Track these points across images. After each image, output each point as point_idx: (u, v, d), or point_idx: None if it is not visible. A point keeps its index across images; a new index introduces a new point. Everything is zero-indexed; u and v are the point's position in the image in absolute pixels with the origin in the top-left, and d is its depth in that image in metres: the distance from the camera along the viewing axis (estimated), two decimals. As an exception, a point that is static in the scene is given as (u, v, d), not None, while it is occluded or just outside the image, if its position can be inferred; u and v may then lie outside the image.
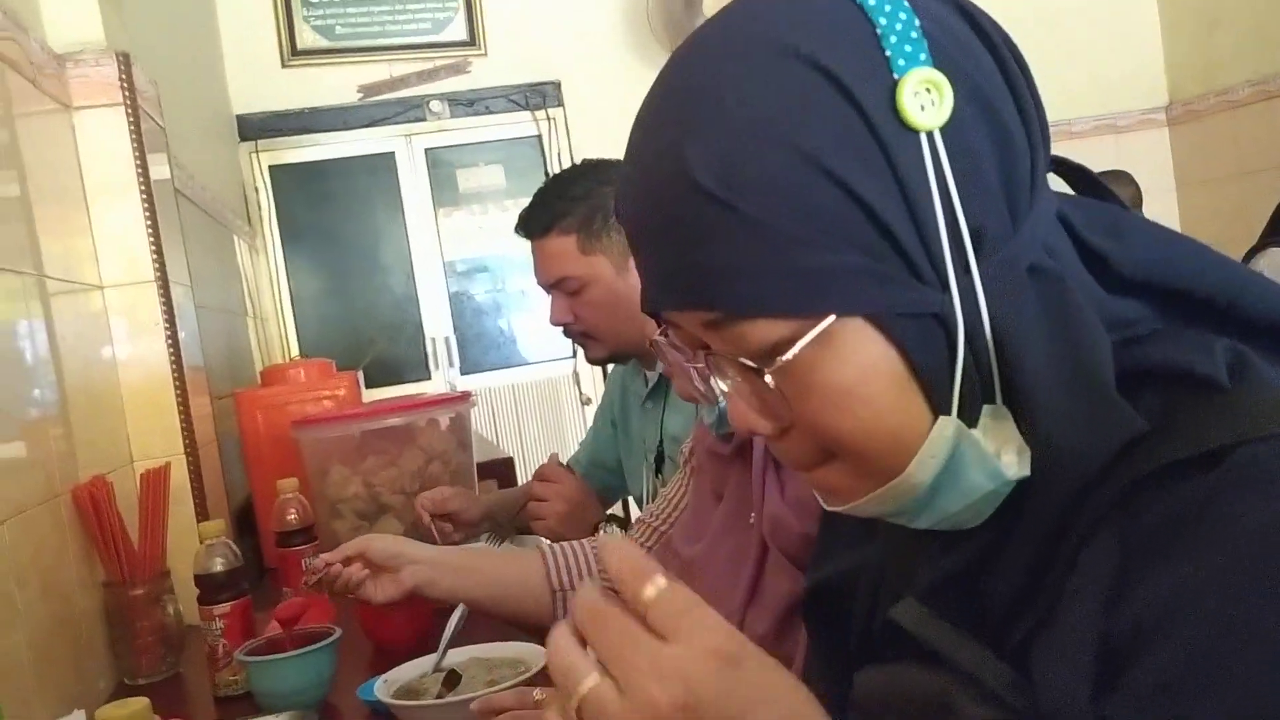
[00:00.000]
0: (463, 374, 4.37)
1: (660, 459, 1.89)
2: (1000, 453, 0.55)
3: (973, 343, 0.54)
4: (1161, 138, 4.70)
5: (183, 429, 1.82)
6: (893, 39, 0.53)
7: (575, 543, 1.46)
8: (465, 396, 2.09)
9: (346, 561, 1.32)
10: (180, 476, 1.77)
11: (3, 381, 1.33)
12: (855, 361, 0.54)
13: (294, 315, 4.23)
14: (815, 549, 0.80)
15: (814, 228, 0.52)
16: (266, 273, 4.13)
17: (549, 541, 1.50)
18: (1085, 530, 0.53)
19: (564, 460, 2.20)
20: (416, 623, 1.49)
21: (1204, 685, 0.47)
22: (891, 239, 0.53)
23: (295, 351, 4.14)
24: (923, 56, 0.53)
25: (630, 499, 2.24)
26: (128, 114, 1.78)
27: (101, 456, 1.63)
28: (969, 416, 0.55)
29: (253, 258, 3.88)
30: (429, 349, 4.35)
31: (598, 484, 2.13)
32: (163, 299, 1.83)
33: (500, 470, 2.66)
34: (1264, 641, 0.47)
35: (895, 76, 0.53)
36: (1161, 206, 4.42)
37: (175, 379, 1.83)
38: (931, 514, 0.58)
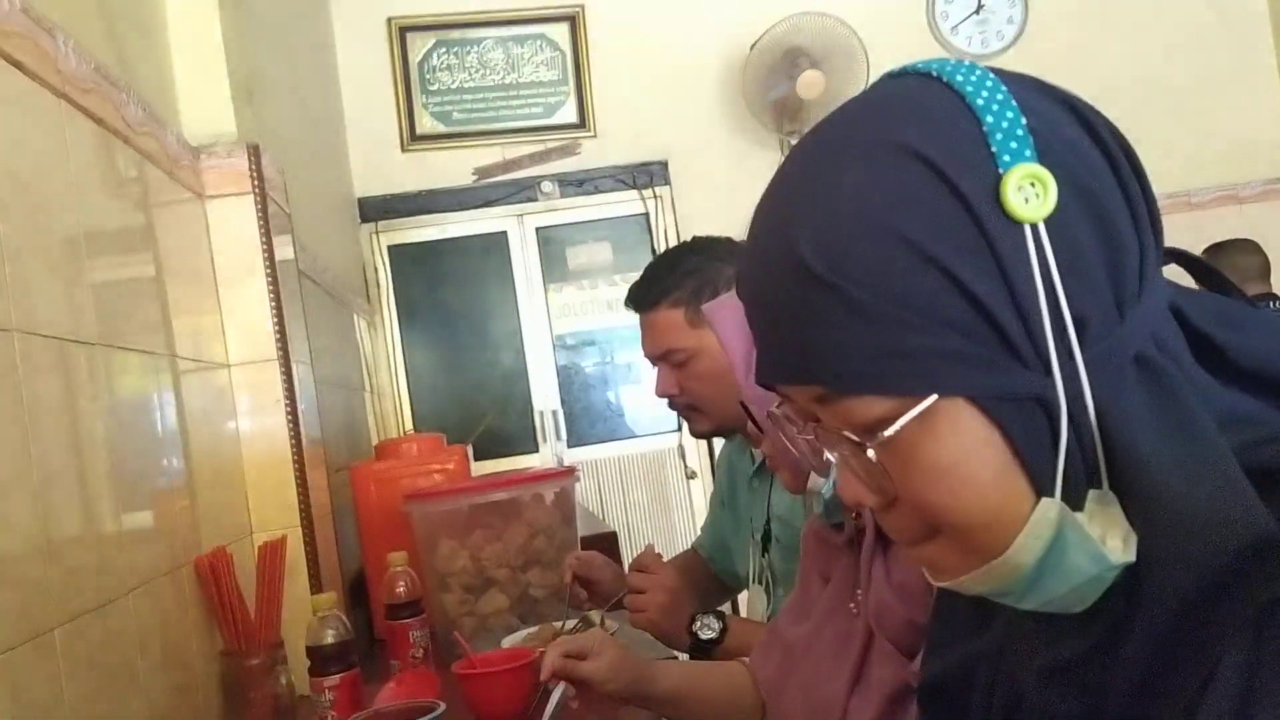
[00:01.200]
0: (569, 447, 4.42)
1: (767, 537, 1.88)
2: (1105, 538, 0.56)
3: (1077, 427, 0.55)
4: (1287, 207, 4.55)
5: (300, 502, 1.88)
6: (999, 135, 0.56)
7: None
8: (570, 472, 2.12)
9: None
10: (296, 548, 1.83)
11: (135, 455, 1.40)
12: (956, 441, 0.56)
13: (409, 389, 4.35)
14: (928, 641, 0.79)
15: (915, 311, 0.55)
16: (384, 349, 4.26)
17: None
18: (1222, 643, 0.53)
19: (648, 534, 2.19)
20: (520, 697, 1.51)
21: None
22: (994, 324, 0.55)
23: (409, 425, 4.25)
24: (1028, 153, 0.55)
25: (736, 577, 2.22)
26: (256, 201, 1.88)
27: (223, 528, 1.70)
28: (1074, 500, 0.56)
29: (371, 334, 4.01)
30: (537, 422, 4.41)
31: (724, 569, 2.12)
32: (284, 376, 1.91)
33: (604, 544, 2.67)
34: None
35: (1000, 171, 0.55)
36: (1291, 277, 4.26)
37: (294, 453, 1.90)
38: (1037, 595, 0.58)
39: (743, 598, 2.06)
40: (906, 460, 0.57)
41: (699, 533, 2.25)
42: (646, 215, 4.47)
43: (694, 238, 1.90)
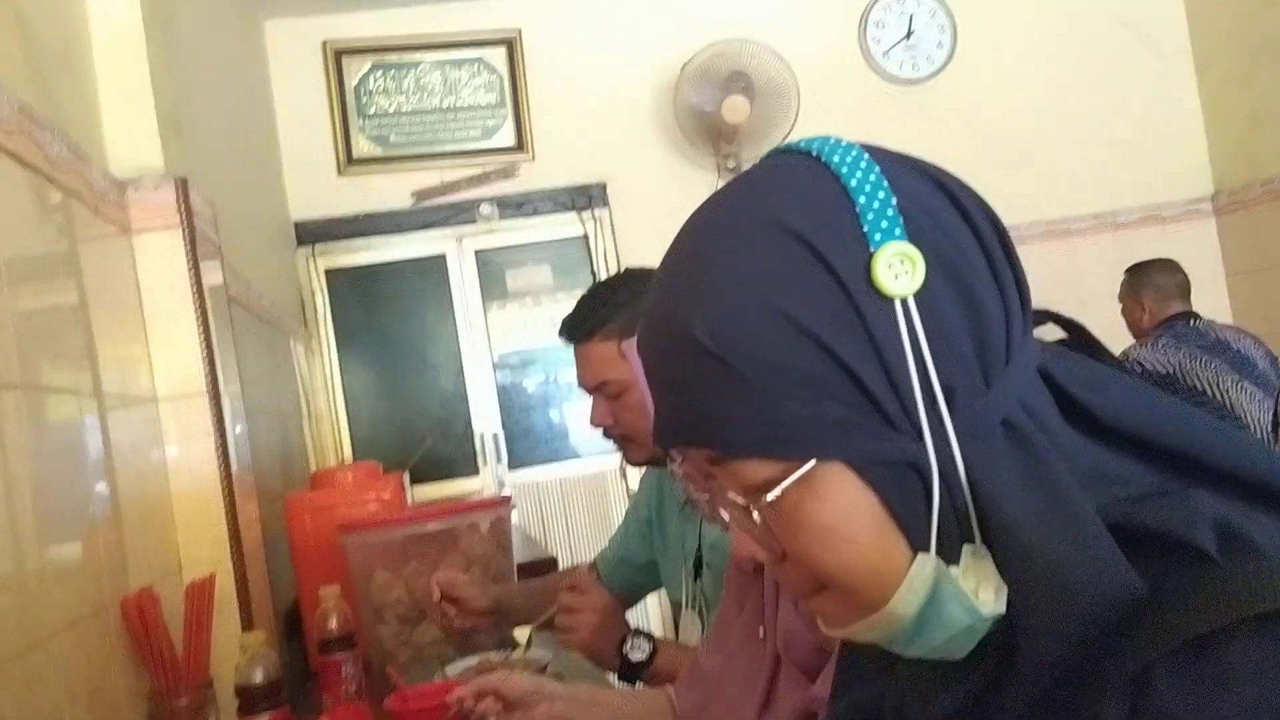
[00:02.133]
0: (511, 469, 4.41)
1: (699, 564, 1.90)
2: (978, 590, 0.59)
3: (949, 488, 0.59)
4: (1208, 228, 4.68)
5: (230, 538, 1.87)
6: (870, 215, 0.59)
7: None
8: (505, 501, 2.13)
9: (479, 697, 1.34)
10: (226, 584, 1.82)
11: (59, 494, 1.39)
12: (836, 502, 0.59)
13: (347, 414, 4.32)
14: (836, 678, 0.82)
15: (795, 382, 0.58)
16: (321, 374, 4.23)
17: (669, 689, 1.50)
18: (1097, 708, 0.55)
19: (590, 556, 2.23)
20: None
21: None
22: (868, 394, 0.58)
23: (348, 450, 4.22)
24: (898, 231, 0.59)
25: (653, 604, 2.24)
26: (184, 235, 1.87)
27: (151, 565, 1.69)
28: (949, 555, 0.60)
29: (308, 359, 3.99)
30: (478, 445, 4.41)
31: (624, 582, 2.14)
32: (213, 408, 1.90)
33: (544, 569, 2.68)
34: None
35: (871, 250, 0.59)
36: (1210, 296, 4.39)
37: (224, 487, 1.89)
38: (920, 644, 0.62)
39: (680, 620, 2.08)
40: (790, 520, 0.60)
41: (606, 545, 2.26)
42: (586, 237, 4.49)
43: (626, 270, 1.93)
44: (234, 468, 1.93)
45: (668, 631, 3.21)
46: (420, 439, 3.94)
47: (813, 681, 1.05)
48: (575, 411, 4.45)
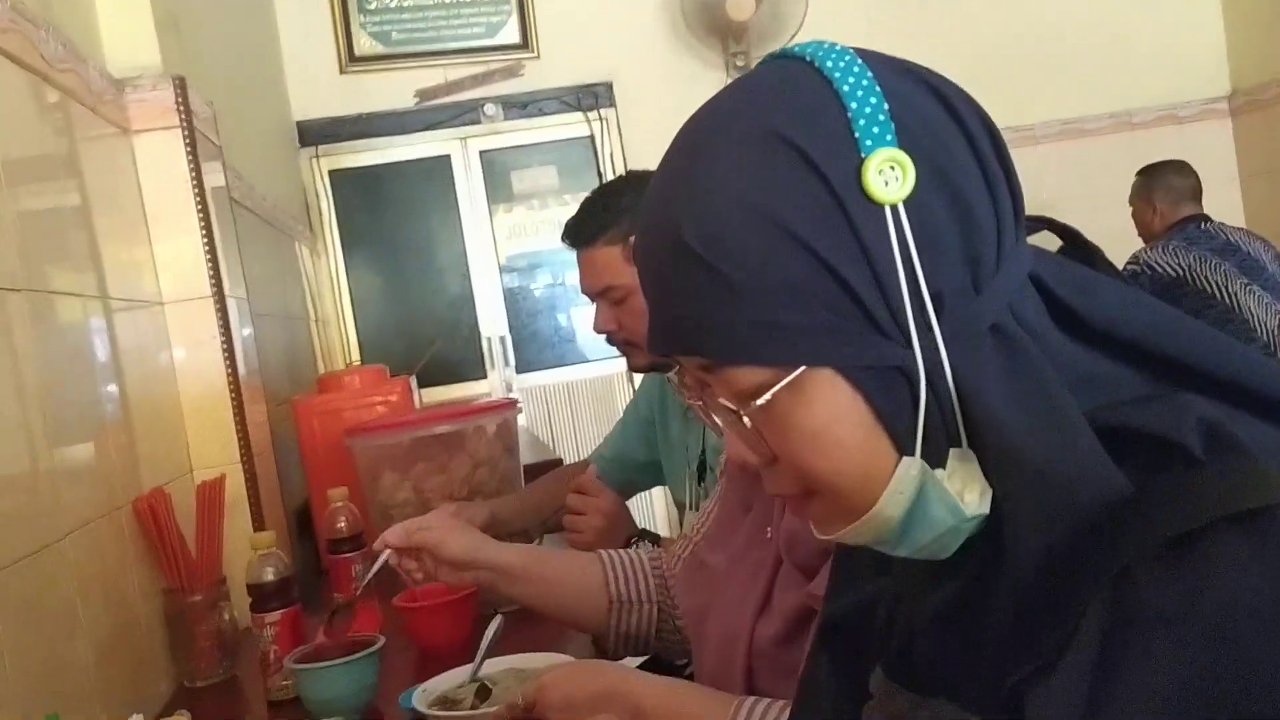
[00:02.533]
0: (518, 373, 4.43)
1: (703, 467, 1.92)
2: (963, 493, 0.60)
3: (936, 393, 0.59)
4: (1224, 128, 4.60)
5: (239, 439, 1.89)
6: (862, 121, 0.59)
7: (631, 553, 1.49)
8: (511, 404, 2.14)
9: (413, 554, 1.37)
10: (236, 486, 1.85)
11: (69, 397, 1.40)
12: (824, 408, 0.60)
13: (354, 317, 4.33)
14: (831, 580, 0.83)
15: (784, 288, 0.59)
16: (328, 276, 4.23)
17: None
18: (1080, 606, 0.57)
19: (586, 455, 2.24)
20: (460, 628, 1.55)
21: None
22: (857, 300, 0.59)
23: (356, 353, 4.24)
24: (889, 137, 0.59)
25: (660, 505, 2.27)
26: (184, 136, 1.85)
27: (162, 467, 1.71)
28: (935, 458, 0.61)
29: (314, 262, 3.98)
30: (485, 348, 4.42)
31: (618, 480, 2.13)
32: (219, 311, 1.90)
33: (551, 470, 2.71)
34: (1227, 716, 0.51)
35: (862, 156, 0.59)
36: (1224, 198, 4.33)
37: (232, 390, 1.90)
38: (907, 544, 0.63)
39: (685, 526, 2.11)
40: (780, 425, 0.61)
41: (601, 443, 2.27)
42: (592, 138, 4.43)
43: (630, 172, 1.91)
44: (241, 371, 1.94)
45: (672, 533, 3.26)
46: (427, 343, 3.95)
47: (810, 580, 1.07)
48: (582, 315, 4.45)
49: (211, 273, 1.90)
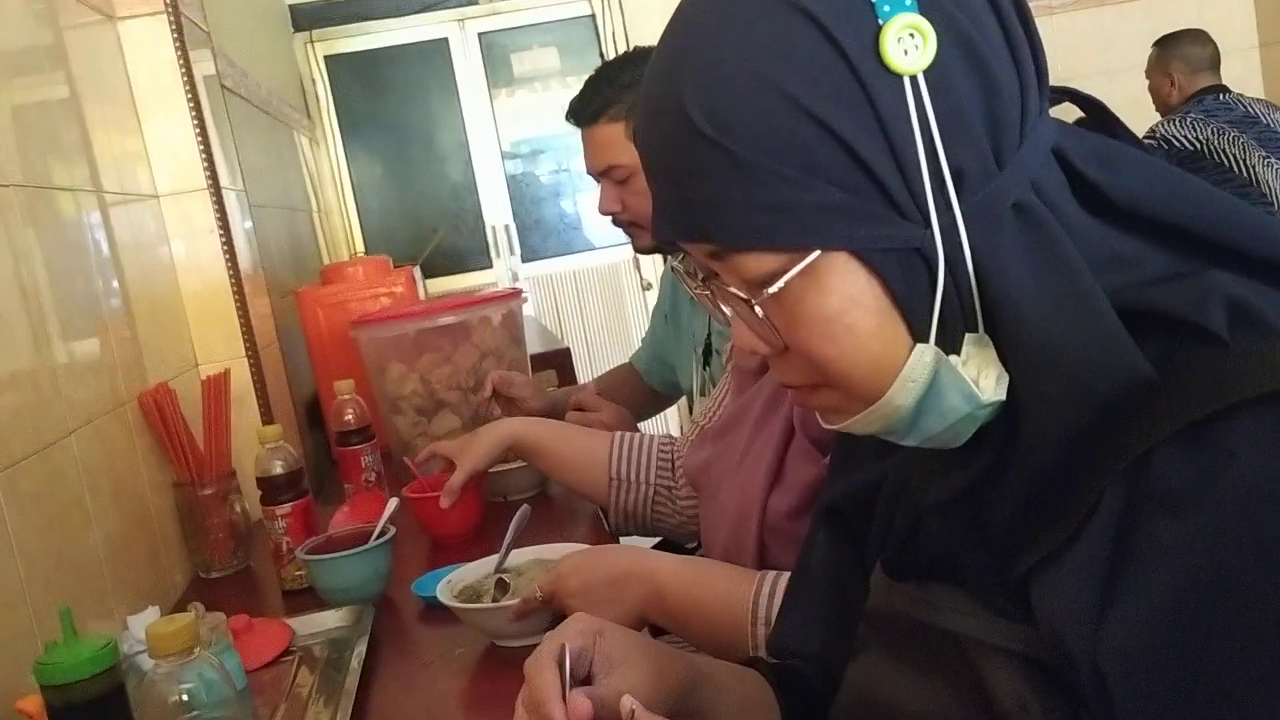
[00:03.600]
0: (524, 261, 4.40)
1: (708, 352, 1.91)
2: (979, 379, 0.58)
3: (954, 275, 0.57)
4: (1245, -6, 4.46)
5: (243, 333, 1.88)
6: None
7: (642, 436, 1.52)
8: (516, 294, 2.12)
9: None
10: (243, 379, 1.84)
11: (70, 293, 1.38)
12: (839, 292, 0.57)
13: (356, 207, 4.28)
14: (832, 464, 0.82)
15: (797, 167, 0.55)
16: (328, 166, 4.17)
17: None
18: (1096, 491, 0.55)
19: (628, 358, 2.27)
20: (470, 518, 1.56)
21: (1178, 640, 0.51)
22: (873, 178, 0.55)
23: (360, 244, 4.20)
24: (908, 2, 0.55)
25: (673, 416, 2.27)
26: (170, 21, 1.79)
27: (166, 362, 1.70)
28: (951, 344, 0.58)
29: (314, 151, 3.91)
30: (489, 237, 4.38)
31: (660, 380, 2.18)
32: (215, 204, 1.87)
33: (558, 360, 2.70)
34: (1239, 601, 0.50)
35: (880, 22, 0.54)
36: (1243, 67, 4.22)
37: (233, 283, 1.88)
38: (918, 433, 0.61)
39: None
40: (793, 312, 0.58)
41: (639, 345, 2.29)
42: (593, 16, 4.32)
43: (635, 48, 1.85)
44: (243, 264, 1.91)
45: (684, 421, 3.27)
46: (430, 232, 3.91)
47: (824, 456, 1.06)
48: (588, 202, 4.39)
49: (206, 165, 1.86)
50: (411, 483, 1.60)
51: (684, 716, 0.75)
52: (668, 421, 4.04)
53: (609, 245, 4.36)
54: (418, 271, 2.66)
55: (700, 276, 0.63)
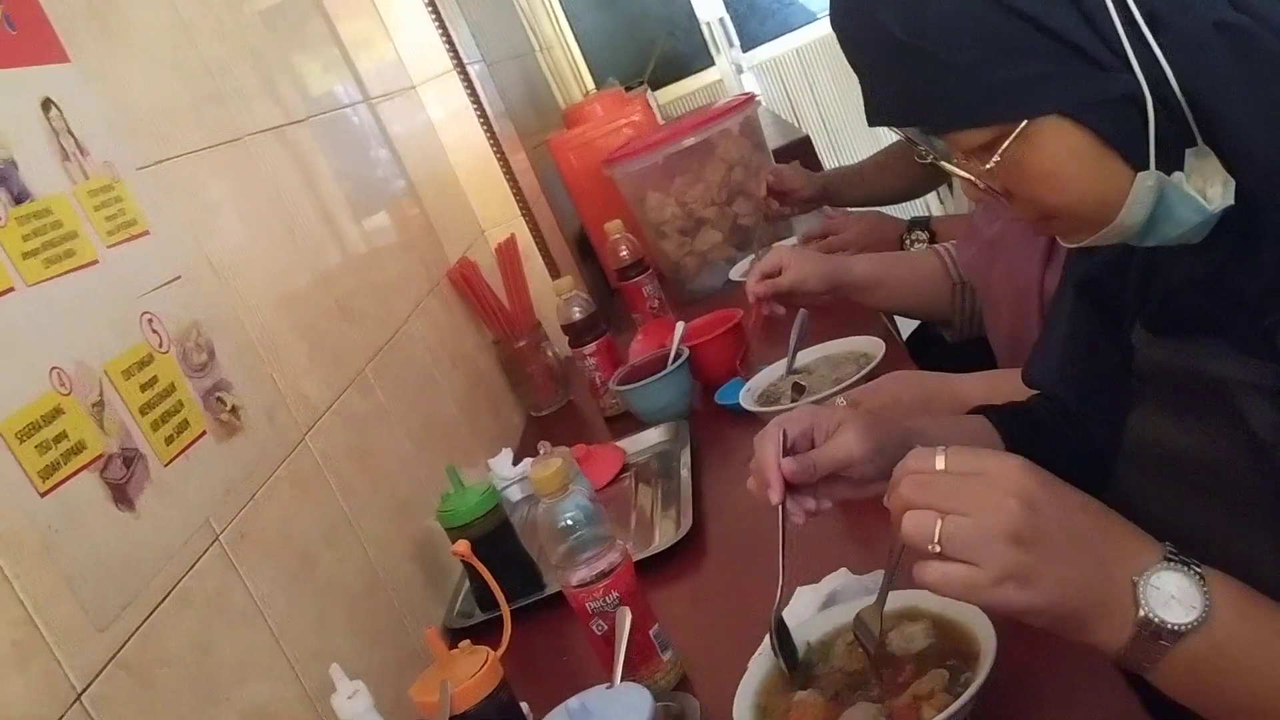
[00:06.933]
0: (744, 51, 4.37)
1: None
2: (1205, 189, 0.63)
3: (1166, 106, 0.61)
4: None
5: (514, 194, 2.06)
6: None
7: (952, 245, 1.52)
8: (750, 99, 2.18)
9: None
10: (525, 238, 2.04)
11: (371, 200, 1.59)
12: (1055, 151, 0.63)
13: (574, 35, 4.36)
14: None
15: (993, 50, 0.61)
16: (541, 1, 4.25)
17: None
18: None
19: (840, 123, 2.23)
20: (730, 357, 1.57)
21: None
22: (1068, 43, 0.60)
23: (585, 73, 4.30)
24: None
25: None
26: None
27: (459, 236, 1.91)
28: (1172, 164, 0.62)
29: (523, -10, 3.99)
30: (707, 34, 4.36)
31: None
32: (463, 79, 2.04)
33: (800, 150, 2.74)
34: None
35: None
36: None
37: (495, 151, 2.06)
38: (1155, 238, 0.67)
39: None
40: (1014, 174, 0.64)
41: None
42: None
43: None
44: (498, 127, 2.08)
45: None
46: (650, 45, 3.95)
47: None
48: (797, -28, 4.28)
49: (447, 45, 2.02)
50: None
51: None
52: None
53: (826, 13, 4.24)
54: (649, 93, 2.74)
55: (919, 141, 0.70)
